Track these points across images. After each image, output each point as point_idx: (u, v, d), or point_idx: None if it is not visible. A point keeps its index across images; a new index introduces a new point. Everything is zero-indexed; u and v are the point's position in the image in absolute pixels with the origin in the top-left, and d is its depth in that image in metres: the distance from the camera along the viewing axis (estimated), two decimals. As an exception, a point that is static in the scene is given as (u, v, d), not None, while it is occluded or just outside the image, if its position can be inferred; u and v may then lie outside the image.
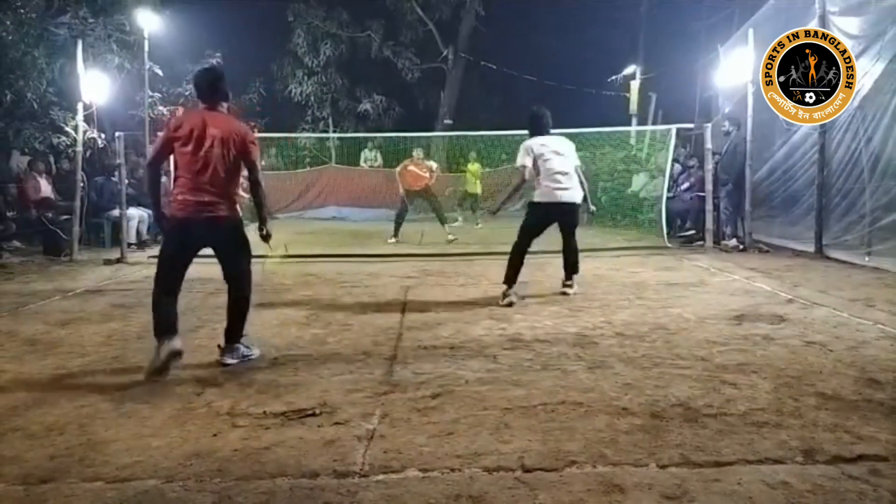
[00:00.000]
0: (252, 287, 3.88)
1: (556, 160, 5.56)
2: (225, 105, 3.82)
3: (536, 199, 5.65)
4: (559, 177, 5.54)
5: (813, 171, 7.93)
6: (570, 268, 5.82)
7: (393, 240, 10.37)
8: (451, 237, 10.38)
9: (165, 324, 3.56)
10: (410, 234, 10.53)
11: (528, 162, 5.56)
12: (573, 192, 5.62)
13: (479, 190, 14.54)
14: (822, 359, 3.72)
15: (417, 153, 10.99)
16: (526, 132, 5.78)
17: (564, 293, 5.72)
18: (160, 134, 3.84)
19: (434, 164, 11.04)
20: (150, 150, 3.75)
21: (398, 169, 10.83)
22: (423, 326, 4.66)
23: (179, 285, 3.72)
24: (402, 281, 6.60)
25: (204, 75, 3.82)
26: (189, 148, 3.61)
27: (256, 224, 3.93)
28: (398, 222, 10.65)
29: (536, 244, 5.67)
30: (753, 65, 8.13)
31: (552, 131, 5.81)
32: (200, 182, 3.61)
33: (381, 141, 17.16)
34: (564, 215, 5.65)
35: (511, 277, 5.49)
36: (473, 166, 14.71)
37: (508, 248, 5.64)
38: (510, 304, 5.30)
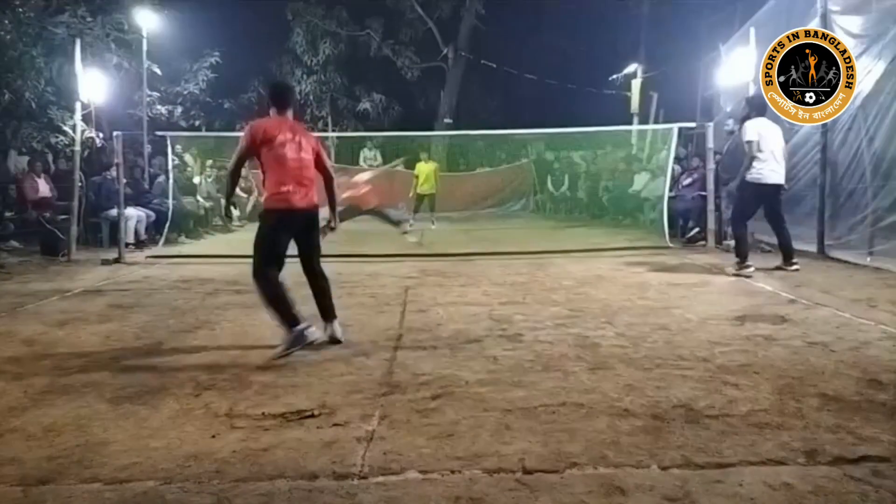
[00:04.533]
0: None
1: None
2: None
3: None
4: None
5: (815, 171, 7.90)
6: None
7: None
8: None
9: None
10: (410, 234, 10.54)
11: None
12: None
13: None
14: (825, 359, 3.70)
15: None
16: (524, 130, 5.76)
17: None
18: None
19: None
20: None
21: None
22: (423, 326, 4.65)
23: None
24: (402, 281, 6.59)
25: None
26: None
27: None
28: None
29: (538, 244, 5.65)
30: (755, 64, 8.10)
31: None
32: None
33: (381, 140, 17.15)
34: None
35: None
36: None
37: (508, 248, 5.62)
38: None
